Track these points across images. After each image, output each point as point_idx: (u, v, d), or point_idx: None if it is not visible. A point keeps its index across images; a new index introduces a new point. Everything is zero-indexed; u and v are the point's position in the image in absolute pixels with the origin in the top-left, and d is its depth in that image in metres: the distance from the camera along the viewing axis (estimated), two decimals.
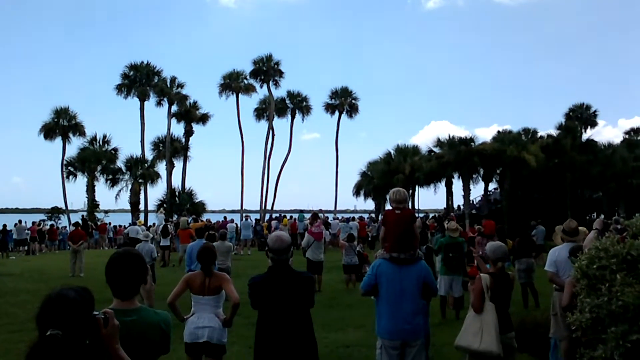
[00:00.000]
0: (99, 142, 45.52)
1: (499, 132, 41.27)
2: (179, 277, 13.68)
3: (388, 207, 5.57)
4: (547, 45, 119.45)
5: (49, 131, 44.84)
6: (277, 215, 39.38)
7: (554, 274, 7.13)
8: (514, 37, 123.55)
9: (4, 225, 30.46)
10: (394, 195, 5.43)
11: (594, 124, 44.66)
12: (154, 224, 32.96)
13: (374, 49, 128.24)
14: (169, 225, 25.24)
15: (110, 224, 38.66)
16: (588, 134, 43.31)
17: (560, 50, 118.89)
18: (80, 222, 27.99)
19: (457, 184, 41.64)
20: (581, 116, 43.79)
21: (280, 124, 51.95)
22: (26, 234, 30.99)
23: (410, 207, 38.32)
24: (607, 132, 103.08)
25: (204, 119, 50.14)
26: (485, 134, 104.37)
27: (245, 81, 49.09)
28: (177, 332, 6.45)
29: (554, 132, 41.10)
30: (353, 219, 33.41)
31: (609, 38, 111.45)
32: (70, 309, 2.21)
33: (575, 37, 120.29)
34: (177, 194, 46.45)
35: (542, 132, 41.70)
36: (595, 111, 44.44)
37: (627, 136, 47.77)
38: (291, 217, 34.03)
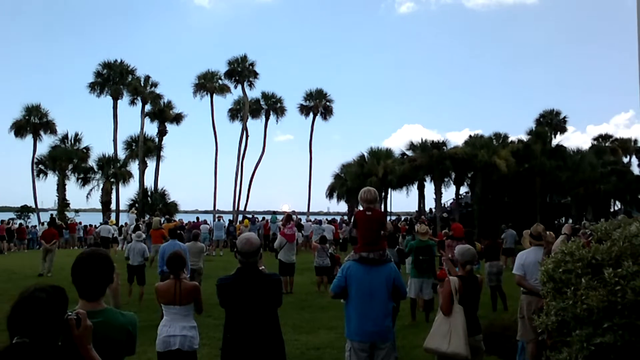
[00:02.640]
0: (71, 141, 45.06)
1: (470, 136, 41.68)
2: (150, 277, 13.63)
3: (360, 208, 5.58)
4: (518, 51, 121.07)
5: (19, 128, 44.13)
6: (250, 216, 39.24)
7: (521, 277, 7.23)
8: (485, 43, 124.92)
9: None
10: (364, 195, 5.43)
11: (563, 130, 45.49)
12: (125, 223, 32.64)
13: (348, 51, 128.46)
14: (140, 225, 24.99)
15: (80, 223, 38.12)
16: (558, 139, 44.10)
17: (531, 57, 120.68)
18: (49, 220, 27.59)
19: (429, 187, 42.06)
20: (551, 122, 44.50)
21: (254, 125, 51.86)
22: None
23: (382, 209, 38.58)
24: (575, 138, 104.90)
25: (177, 118, 49.83)
26: (456, 138, 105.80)
27: (220, 81, 48.93)
28: (148, 334, 6.43)
29: (524, 137, 41.73)
30: (327, 221, 33.47)
31: (579, 46, 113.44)
32: (41, 311, 2.18)
33: (546, 43, 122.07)
34: (149, 193, 46.07)
35: (512, 137, 42.28)
36: (564, 117, 45.26)
37: (595, 142, 48.75)
38: (263, 218, 33.97)
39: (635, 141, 50.08)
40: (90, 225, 36.80)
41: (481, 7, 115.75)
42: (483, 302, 7.15)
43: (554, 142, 43.13)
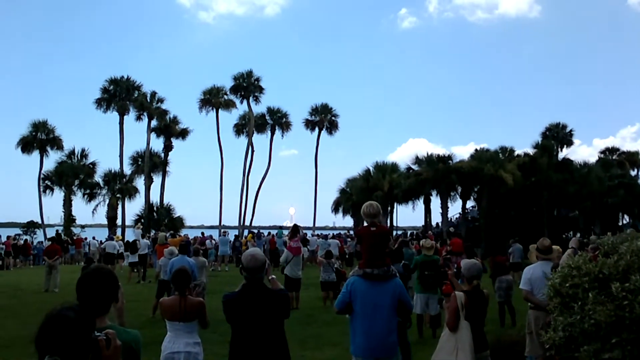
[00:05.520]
0: (77, 156, 45.25)
1: (476, 150, 41.67)
2: (154, 293, 13.56)
3: (365, 223, 5.54)
4: (523, 65, 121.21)
5: (26, 144, 44.46)
6: (255, 231, 39.23)
7: (528, 292, 7.17)
8: (489, 57, 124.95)
9: None
10: (367, 209, 5.36)
11: (569, 143, 45.38)
12: (137, 241, 32.58)
13: (353, 66, 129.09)
14: (137, 242, 24.78)
15: (85, 239, 38.17)
16: (564, 153, 43.96)
17: (536, 70, 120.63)
18: (55, 236, 27.60)
19: (435, 202, 42.03)
20: (557, 135, 44.39)
21: (260, 140, 52.01)
22: (0, 249, 30.50)
23: (388, 224, 38.38)
24: (582, 152, 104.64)
25: (183, 134, 50.00)
26: (462, 152, 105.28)
27: (226, 97, 49.19)
28: (153, 350, 6.40)
29: (530, 151, 41.60)
30: (332, 236, 33.41)
31: (584, 59, 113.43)
32: (70, 330, 2.13)
33: (551, 57, 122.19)
34: (155, 209, 46.11)
35: (519, 151, 42.18)
36: (571, 130, 45.16)
37: (602, 155, 48.58)
38: (269, 233, 33.95)
39: None
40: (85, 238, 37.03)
41: (483, 21, 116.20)
42: (490, 317, 7.09)
43: (561, 155, 43.05)
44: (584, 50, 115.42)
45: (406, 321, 8.22)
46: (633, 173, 48.05)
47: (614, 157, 48.47)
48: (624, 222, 42.32)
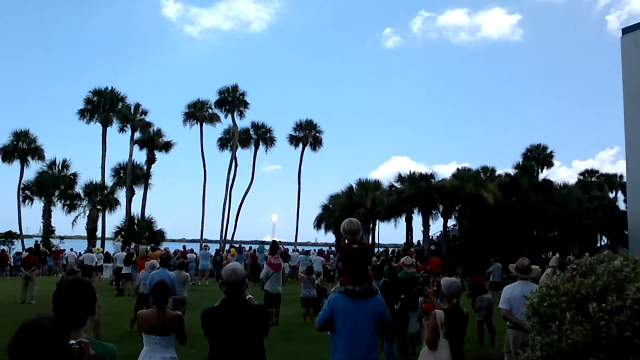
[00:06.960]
0: (58, 167, 44.86)
1: (458, 169, 41.97)
2: (133, 307, 13.41)
3: (346, 240, 5.53)
4: (505, 86, 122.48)
5: (7, 154, 43.96)
6: (237, 246, 39.05)
7: (507, 311, 7.21)
8: (472, 78, 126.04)
9: None
10: (347, 226, 5.35)
11: (550, 165, 45.81)
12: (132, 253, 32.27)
13: (337, 83, 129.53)
14: (133, 253, 24.59)
15: (64, 250, 37.71)
16: (544, 174, 44.37)
17: (518, 92, 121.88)
18: (33, 247, 27.23)
19: (417, 220, 42.06)
20: (538, 156, 44.82)
21: (244, 155, 51.86)
22: None
23: (370, 241, 38.37)
24: (562, 173, 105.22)
25: (166, 146, 49.78)
26: (444, 171, 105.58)
27: (210, 111, 49.15)
28: None
29: (511, 171, 41.94)
30: (314, 252, 33.34)
31: (565, 82, 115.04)
32: (45, 339, 2.13)
33: (533, 79, 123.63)
34: (136, 221, 45.73)
35: (500, 171, 42.54)
36: (551, 152, 45.64)
37: (581, 177, 49.15)
38: (250, 247, 33.83)
39: (621, 177, 50.45)
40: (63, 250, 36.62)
41: (467, 43, 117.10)
42: (470, 336, 7.13)
43: (541, 176, 43.44)
44: (564, 73, 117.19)
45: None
46: (611, 195, 48.62)
47: (593, 179, 49.07)
48: (602, 243, 42.72)
